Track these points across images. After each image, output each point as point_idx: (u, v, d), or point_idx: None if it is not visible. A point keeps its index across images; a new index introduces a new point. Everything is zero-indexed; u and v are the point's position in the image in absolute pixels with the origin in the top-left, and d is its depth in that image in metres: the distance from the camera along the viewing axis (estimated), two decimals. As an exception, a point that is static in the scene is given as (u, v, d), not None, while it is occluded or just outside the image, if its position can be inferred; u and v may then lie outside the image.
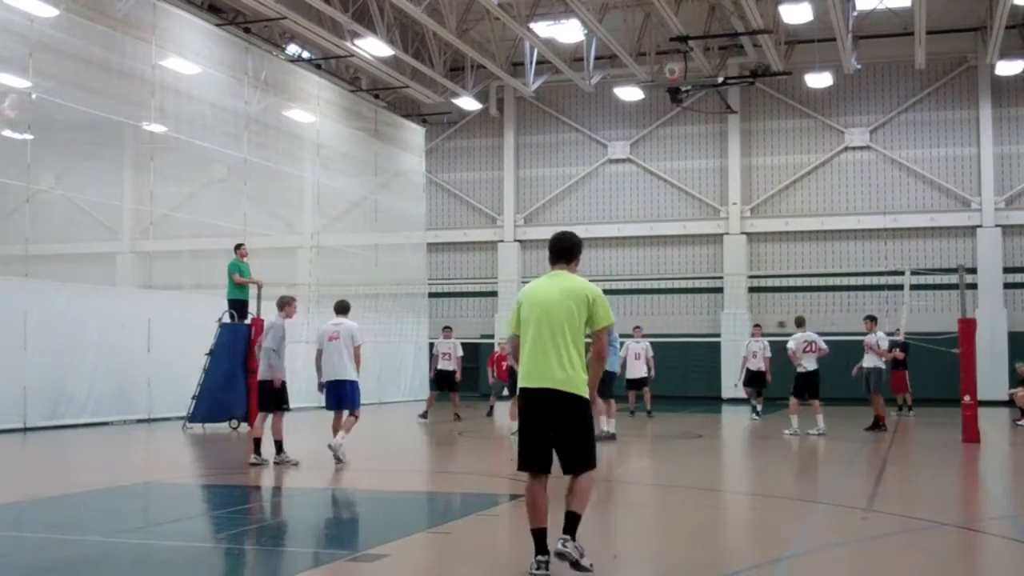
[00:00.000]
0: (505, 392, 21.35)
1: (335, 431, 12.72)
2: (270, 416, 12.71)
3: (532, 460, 6.38)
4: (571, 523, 6.31)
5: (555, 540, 6.24)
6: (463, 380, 22.33)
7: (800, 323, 18.04)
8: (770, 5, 23.69)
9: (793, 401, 17.53)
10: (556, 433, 6.34)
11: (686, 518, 9.29)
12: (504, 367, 21.29)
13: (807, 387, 17.44)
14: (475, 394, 29.56)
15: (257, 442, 12.61)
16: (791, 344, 17.76)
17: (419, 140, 31.82)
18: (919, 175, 28.85)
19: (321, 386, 12.86)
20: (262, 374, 12.75)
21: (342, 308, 12.99)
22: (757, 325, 22.21)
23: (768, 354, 20.58)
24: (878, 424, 18.12)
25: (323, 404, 13.34)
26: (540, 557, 6.22)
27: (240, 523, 9.15)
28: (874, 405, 18.30)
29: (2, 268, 18.53)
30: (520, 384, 6.47)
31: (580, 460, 6.38)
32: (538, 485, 6.35)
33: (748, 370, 20.97)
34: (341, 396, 12.74)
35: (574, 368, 6.34)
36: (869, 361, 18.54)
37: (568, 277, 6.54)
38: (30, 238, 17.89)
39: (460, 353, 21.64)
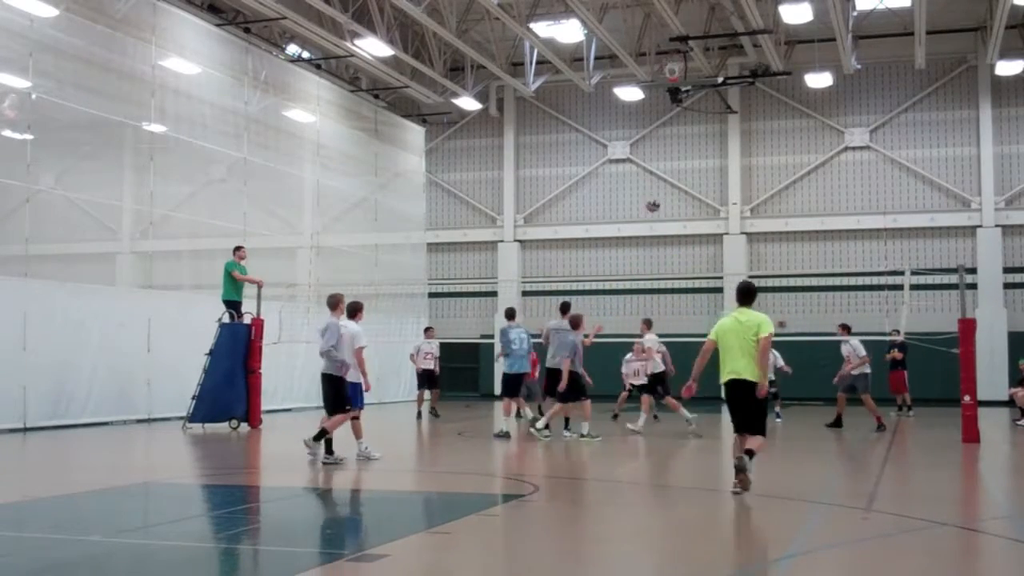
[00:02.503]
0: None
1: (359, 432, 13.13)
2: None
3: (737, 424, 10.31)
4: (750, 454, 9.96)
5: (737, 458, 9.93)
6: (463, 380, 22.49)
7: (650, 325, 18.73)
8: (770, 5, 23.69)
9: (672, 401, 17.83)
10: (744, 405, 10.11)
11: (686, 518, 9.30)
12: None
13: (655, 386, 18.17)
14: (475, 394, 29.59)
15: (329, 442, 12.67)
16: (661, 346, 18.61)
17: (419, 140, 31.82)
18: (919, 175, 28.85)
19: None
20: (326, 368, 12.78)
21: (351, 311, 13.18)
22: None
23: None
24: (840, 422, 18.54)
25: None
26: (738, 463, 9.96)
27: (240, 523, 9.15)
28: (868, 407, 18.47)
29: (2, 268, 18.51)
30: (725, 380, 10.18)
31: (757, 425, 10.16)
32: (741, 438, 10.28)
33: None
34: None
35: (752, 367, 10.05)
36: (855, 368, 18.77)
37: (749, 313, 10.30)
38: (30, 238, 17.86)
39: (438, 353, 22.27)
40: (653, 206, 24.33)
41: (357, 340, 12.82)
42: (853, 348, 18.76)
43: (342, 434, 12.96)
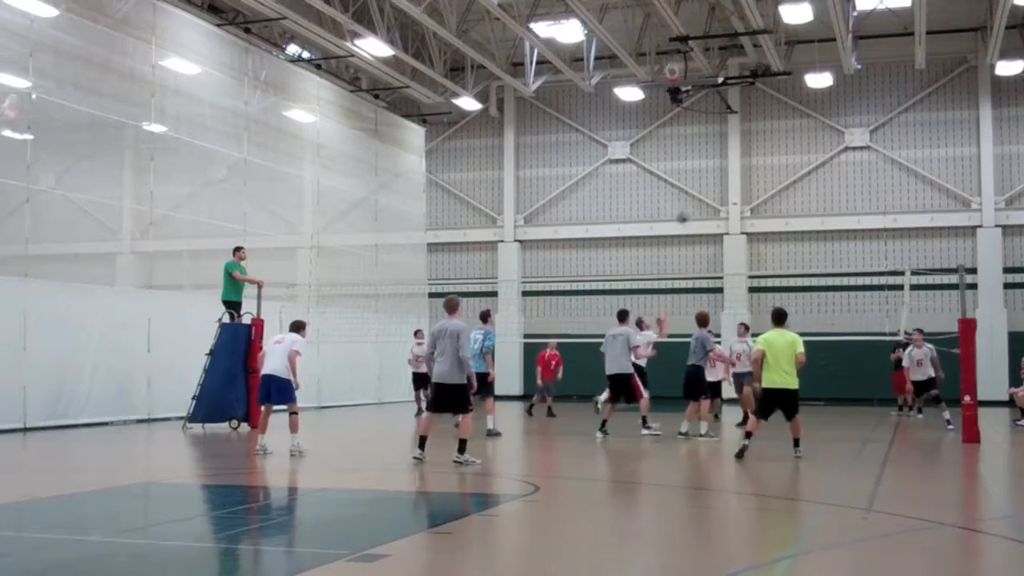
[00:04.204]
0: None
1: (264, 428, 14.12)
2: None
3: (765, 413, 13.25)
4: (796, 443, 13.30)
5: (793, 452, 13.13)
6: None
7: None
8: (770, 5, 23.69)
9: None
10: (784, 404, 13.08)
11: (686, 518, 9.30)
12: (552, 366, 21.96)
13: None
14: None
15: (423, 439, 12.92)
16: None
17: (419, 140, 31.82)
18: (919, 175, 28.84)
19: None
20: (457, 379, 12.58)
21: (294, 327, 14.38)
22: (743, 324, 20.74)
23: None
24: (747, 420, 18.55)
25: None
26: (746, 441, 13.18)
27: (240, 523, 9.15)
28: (747, 402, 18.45)
29: (2, 268, 18.51)
30: (767, 386, 13.09)
31: (793, 414, 13.19)
32: (759, 420, 13.31)
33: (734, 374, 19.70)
34: (270, 390, 13.95)
35: (792, 376, 13.02)
36: (742, 367, 18.84)
37: (785, 333, 13.13)
38: (30, 238, 17.87)
39: None
40: (683, 218, 26.03)
41: (294, 346, 13.94)
42: (748, 347, 18.90)
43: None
